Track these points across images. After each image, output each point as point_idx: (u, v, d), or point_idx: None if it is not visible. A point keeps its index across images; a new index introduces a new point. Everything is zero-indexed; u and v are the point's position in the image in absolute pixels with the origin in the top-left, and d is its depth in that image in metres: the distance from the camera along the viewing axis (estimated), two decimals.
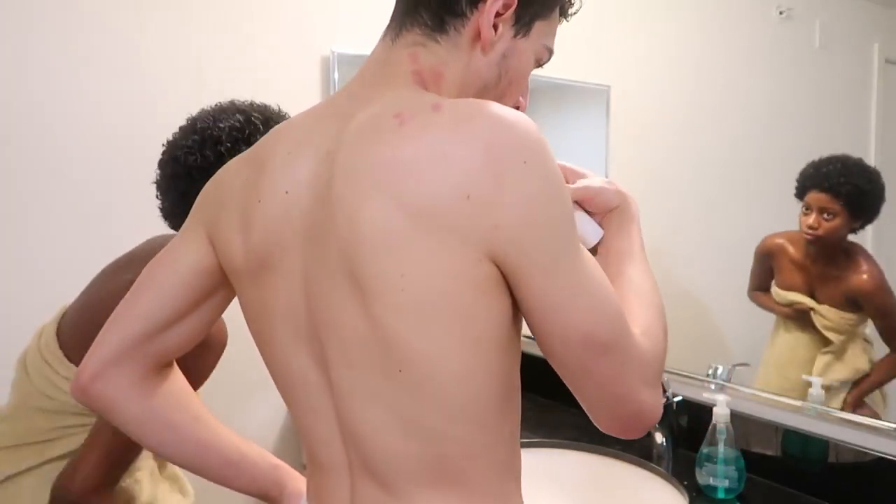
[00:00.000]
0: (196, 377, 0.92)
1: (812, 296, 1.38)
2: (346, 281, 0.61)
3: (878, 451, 1.17)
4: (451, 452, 0.63)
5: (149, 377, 0.78)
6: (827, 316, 1.35)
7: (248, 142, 0.99)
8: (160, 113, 1.50)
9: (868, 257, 1.31)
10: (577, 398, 0.65)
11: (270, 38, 1.65)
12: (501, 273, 0.59)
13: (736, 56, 1.67)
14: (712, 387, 1.46)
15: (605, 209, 0.83)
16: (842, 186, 1.32)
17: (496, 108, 0.59)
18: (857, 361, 1.32)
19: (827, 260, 1.37)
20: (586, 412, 0.66)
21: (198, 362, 0.94)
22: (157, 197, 1.06)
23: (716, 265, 1.73)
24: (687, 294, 1.81)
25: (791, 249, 1.42)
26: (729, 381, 1.45)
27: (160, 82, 1.51)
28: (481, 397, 0.62)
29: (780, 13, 1.55)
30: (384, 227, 0.58)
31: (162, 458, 0.91)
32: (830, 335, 1.34)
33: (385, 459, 0.64)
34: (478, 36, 0.69)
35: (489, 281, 0.59)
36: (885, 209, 1.32)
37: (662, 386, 1.41)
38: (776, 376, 1.45)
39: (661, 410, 0.66)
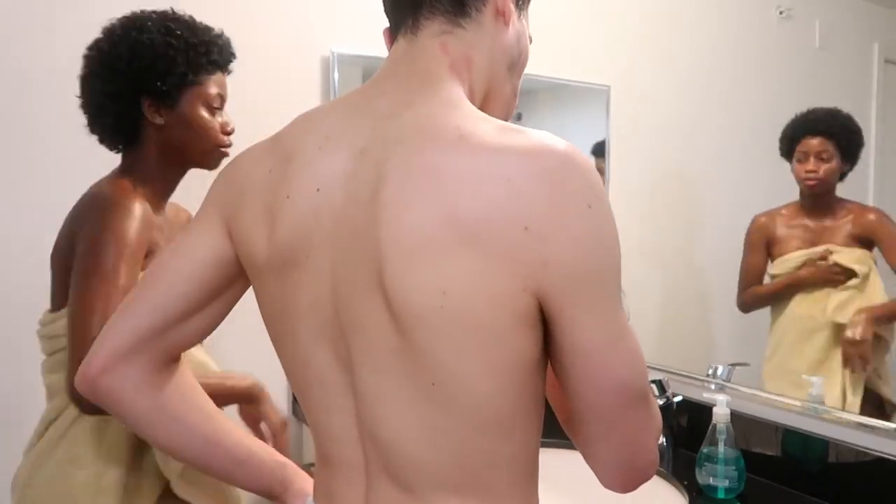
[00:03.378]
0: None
1: None
2: (378, 288, 0.60)
3: (878, 451, 1.17)
4: (476, 461, 0.63)
5: (158, 371, 0.76)
6: (845, 254, 1.36)
7: (140, 28, 1.06)
8: None
9: (859, 203, 1.34)
10: (590, 451, 0.65)
11: (270, 38, 1.65)
12: (540, 307, 0.59)
13: (736, 56, 1.67)
14: (712, 387, 1.46)
15: None
16: (833, 128, 1.35)
17: (567, 145, 0.59)
18: (875, 295, 1.33)
19: (825, 210, 1.38)
20: (595, 466, 0.66)
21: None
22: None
23: (716, 265, 1.73)
24: (687, 294, 1.81)
25: (785, 214, 1.44)
26: (729, 381, 1.45)
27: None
28: (511, 412, 0.62)
29: (780, 13, 1.56)
30: (430, 237, 0.56)
31: (168, 454, 0.91)
32: (855, 267, 1.34)
33: (408, 464, 0.63)
34: (497, 13, 0.70)
35: (528, 312, 0.58)
36: (887, 204, 1.32)
37: (667, 394, 1.41)
38: (790, 355, 1.44)
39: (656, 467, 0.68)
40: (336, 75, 1.70)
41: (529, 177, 0.56)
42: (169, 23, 1.09)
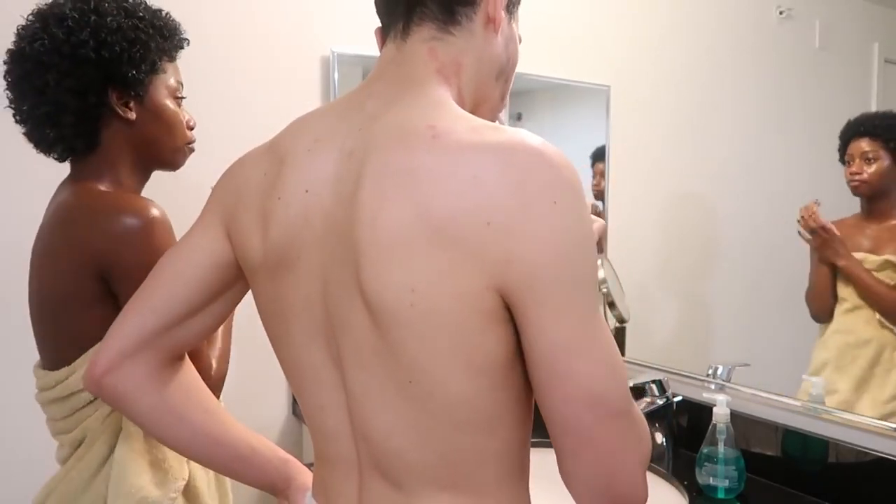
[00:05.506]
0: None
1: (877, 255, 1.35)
2: (357, 288, 0.60)
3: (878, 451, 1.17)
4: (461, 459, 0.63)
5: (162, 370, 0.78)
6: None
7: (97, 11, 0.93)
8: None
9: None
10: (564, 470, 0.60)
11: (270, 38, 1.65)
12: (507, 306, 0.57)
13: (736, 56, 1.67)
14: (712, 387, 1.46)
15: None
16: (878, 129, 1.31)
17: (540, 142, 0.58)
18: None
19: (885, 215, 1.34)
20: (568, 486, 0.61)
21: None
22: (10, 106, 0.97)
23: (716, 265, 1.74)
24: (687, 294, 1.81)
25: (848, 221, 1.38)
26: (729, 381, 1.45)
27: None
28: (492, 411, 0.62)
29: (780, 13, 1.56)
30: (402, 237, 0.57)
31: (173, 450, 0.89)
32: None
33: (396, 461, 0.64)
34: (488, 20, 0.69)
35: (495, 311, 0.57)
36: None
37: (667, 394, 1.41)
38: (834, 374, 1.40)
39: (647, 498, 0.62)
40: (336, 75, 1.70)
41: (494, 172, 0.56)
42: (125, 3, 0.97)
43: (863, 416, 1.24)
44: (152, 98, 0.99)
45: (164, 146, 1.01)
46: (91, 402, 0.95)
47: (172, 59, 1.03)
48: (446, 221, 0.56)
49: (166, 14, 1.03)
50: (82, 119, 0.95)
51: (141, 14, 0.97)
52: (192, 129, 1.05)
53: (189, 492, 1.00)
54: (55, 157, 0.99)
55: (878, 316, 1.33)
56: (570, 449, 0.58)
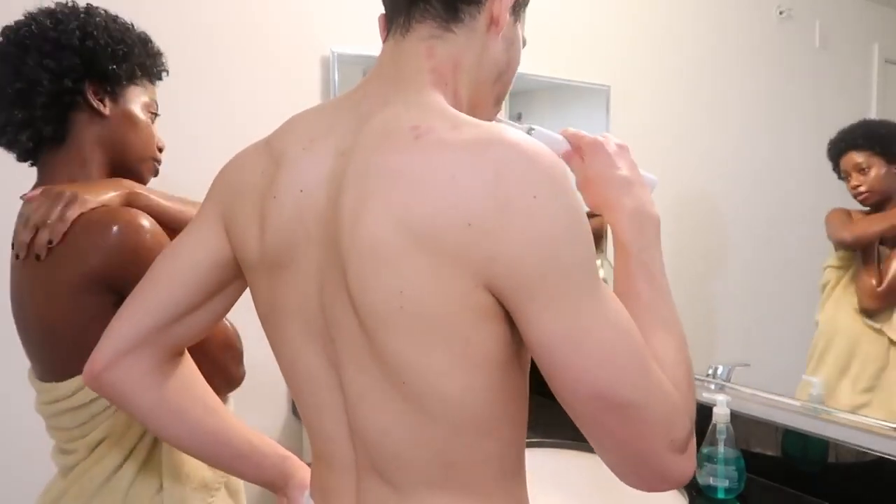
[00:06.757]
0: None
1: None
2: (344, 290, 0.60)
3: (878, 451, 1.17)
4: (458, 458, 0.63)
5: (161, 367, 0.78)
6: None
7: (87, 12, 0.96)
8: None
9: None
10: (599, 454, 0.61)
11: (270, 38, 1.65)
12: (500, 303, 0.57)
13: (736, 56, 1.67)
14: (712, 387, 1.46)
15: (592, 175, 0.74)
16: (859, 139, 1.33)
17: (517, 136, 0.57)
18: None
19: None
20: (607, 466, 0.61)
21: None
22: None
23: (715, 265, 1.73)
24: (687, 294, 1.81)
25: (855, 216, 1.39)
26: (729, 381, 1.45)
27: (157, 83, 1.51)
28: (486, 410, 0.62)
29: (780, 13, 1.56)
30: (384, 240, 0.57)
31: (173, 447, 0.90)
32: None
33: (393, 461, 0.64)
34: (492, 21, 0.68)
35: (486, 309, 0.57)
36: None
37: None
38: (827, 367, 1.40)
39: (691, 473, 0.60)
40: (336, 75, 1.70)
41: (471, 171, 0.55)
42: (116, 17, 1.00)
43: (863, 416, 1.24)
44: (127, 102, 0.99)
45: (132, 150, 1.00)
46: (109, 405, 0.93)
47: (152, 81, 1.04)
48: (428, 225, 0.55)
49: (153, 43, 1.05)
50: (54, 102, 0.92)
51: (129, 28, 1.01)
52: (160, 150, 1.04)
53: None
54: (19, 150, 0.95)
55: (856, 306, 1.35)
56: (590, 437, 0.59)
